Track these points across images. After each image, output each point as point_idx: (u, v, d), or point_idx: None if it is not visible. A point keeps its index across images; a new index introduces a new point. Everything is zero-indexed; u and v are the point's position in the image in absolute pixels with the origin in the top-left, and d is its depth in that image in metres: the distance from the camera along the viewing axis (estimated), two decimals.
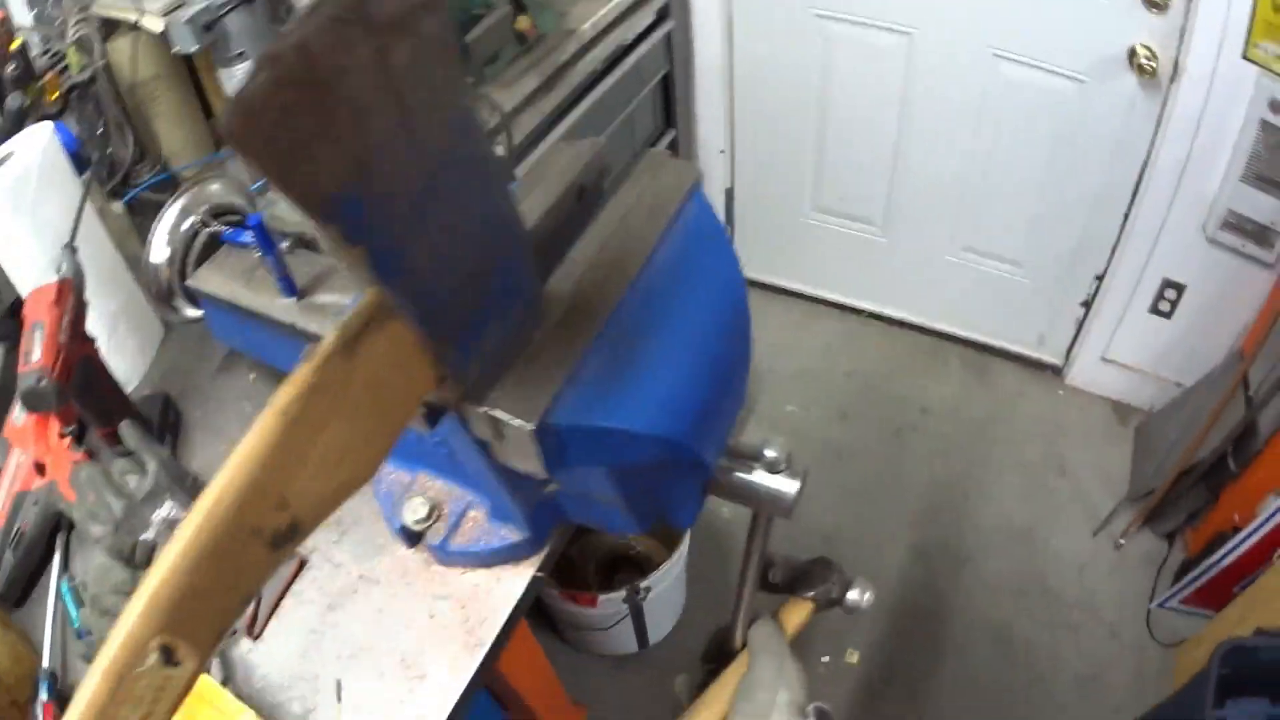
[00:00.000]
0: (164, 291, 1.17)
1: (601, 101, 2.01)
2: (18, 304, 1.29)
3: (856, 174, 2.48)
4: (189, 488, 1.05)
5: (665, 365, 0.67)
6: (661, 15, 2.18)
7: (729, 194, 2.71)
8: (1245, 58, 1.75)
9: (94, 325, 1.18)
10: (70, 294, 1.07)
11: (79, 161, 1.30)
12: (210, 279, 1.12)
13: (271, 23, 1.43)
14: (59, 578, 1.13)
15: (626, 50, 2.07)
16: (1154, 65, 1.86)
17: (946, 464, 2.43)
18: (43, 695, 1.04)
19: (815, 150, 2.49)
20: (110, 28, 1.56)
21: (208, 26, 1.37)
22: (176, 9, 1.41)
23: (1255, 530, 1.71)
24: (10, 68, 1.42)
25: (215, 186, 1.17)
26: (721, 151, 2.59)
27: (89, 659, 1.04)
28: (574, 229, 0.75)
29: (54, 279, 1.08)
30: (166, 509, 1.03)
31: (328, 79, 0.39)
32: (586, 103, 1.95)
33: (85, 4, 1.57)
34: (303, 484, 0.48)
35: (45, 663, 1.07)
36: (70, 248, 1.11)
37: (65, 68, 1.49)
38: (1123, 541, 2.19)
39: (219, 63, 1.46)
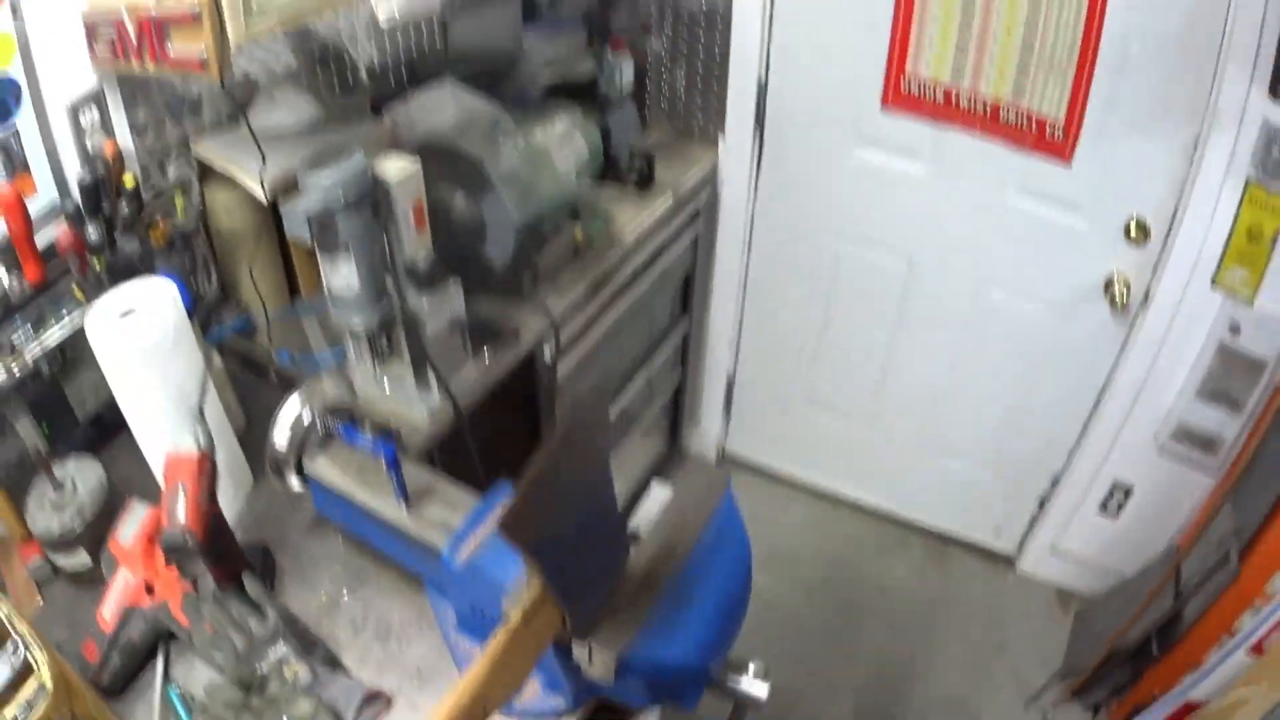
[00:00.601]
0: (279, 468, 1.38)
1: (636, 300, 2.29)
2: (99, 416, 1.52)
3: (847, 373, 2.79)
4: (298, 634, 1.27)
5: (701, 618, 1.00)
6: (692, 219, 2.50)
7: (730, 380, 3.02)
8: (1214, 283, 2.03)
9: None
10: (209, 464, 1.25)
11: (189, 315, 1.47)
12: (328, 470, 1.34)
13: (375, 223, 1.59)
14: (163, 682, 1.32)
15: (659, 253, 2.37)
16: (1126, 296, 2.17)
17: (896, 639, 2.69)
18: None
19: (813, 349, 2.81)
20: (205, 169, 1.75)
21: (320, 223, 1.51)
22: (288, 191, 1.60)
23: (1171, 700, 1.92)
24: (123, 207, 1.53)
25: (327, 384, 1.41)
26: (729, 343, 2.90)
27: None
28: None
29: (190, 445, 1.25)
30: (279, 650, 1.25)
31: (539, 500, 0.71)
32: (624, 303, 2.23)
33: (185, 140, 1.75)
34: (495, 695, 0.76)
35: None
36: (201, 416, 1.28)
37: (170, 211, 1.64)
38: (1052, 712, 2.42)
39: (321, 248, 1.57)
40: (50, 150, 1.58)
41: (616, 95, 2.10)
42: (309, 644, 1.29)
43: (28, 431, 1.55)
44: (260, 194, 1.62)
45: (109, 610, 1.33)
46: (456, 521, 1.24)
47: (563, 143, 1.91)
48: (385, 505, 1.27)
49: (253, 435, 1.62)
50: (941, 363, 2.62)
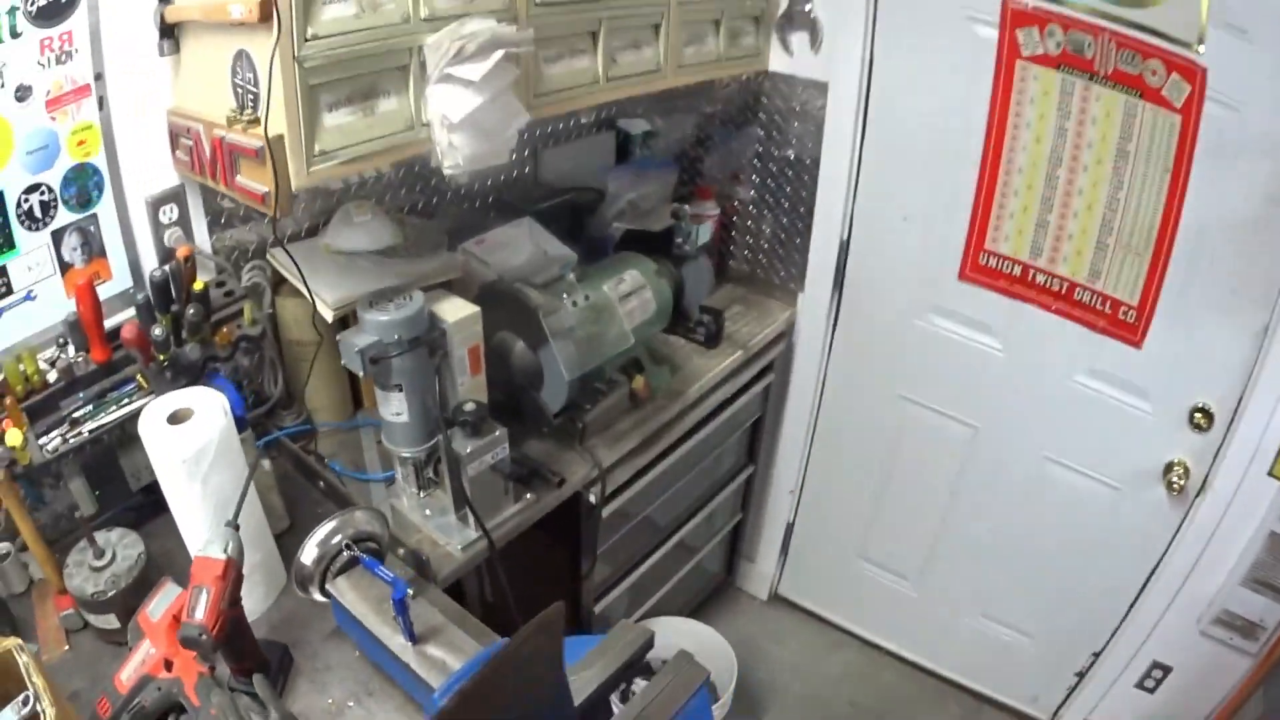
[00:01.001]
0: (305, 583, 1.46)
1: (695, 448, 2.32)
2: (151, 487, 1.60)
3: (902, 533, 2.78)
4: None
5: None
6: (763, 372, 2.53)
7: (789, 528, 3.03)
8: (1271, 474, 1.99)
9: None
10: (233, 571, 1.30)
11: (239, 423, 1.54)
12: (347, 592, 1.42)
13: (430, 362, 1.65)
14: None
15: (724, 405, 2.40)
16: (1184, 482, 2.13)
17: None
18: None
19: (871, 506, 2.81)
20: (279, 278, 1.82)
21: (374, 360, 1.57)
22: (350, 323, 1.65)
23: None
24: (191, 311, 1.57)
25: (361, 515, 1.47)
26: (790, 492, 2.93)
27: None
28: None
29: (219, 552, 1.29)
30: None
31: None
32: (681, 452, 2.26)
33: (262, 248, 1.82)
34: None
35: None
36: (235, 526, 1.34)
37: (238, 316, 1.69)
38: None
39: (378, 384, 1.65)
40: (128, 241, 1.67)
41: (692, 250, 2.17)
42: None
43: (80, 493, 1.66)
44: (328, 314, 1.72)
45: (127, 675, 1.42)
46: (456, 666, 1.30)
47: (631, 298, 1.97)
48: (392, 638, 1.35)
49: (294, 536, 1.67)
50: (995, 530, 2.59)
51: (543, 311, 1.79)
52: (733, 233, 2.63)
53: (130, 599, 1.47)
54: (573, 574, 2.20)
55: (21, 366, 1.50)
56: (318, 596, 1.48)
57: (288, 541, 1.68)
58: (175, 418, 1.46)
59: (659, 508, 2.36)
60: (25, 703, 1.25)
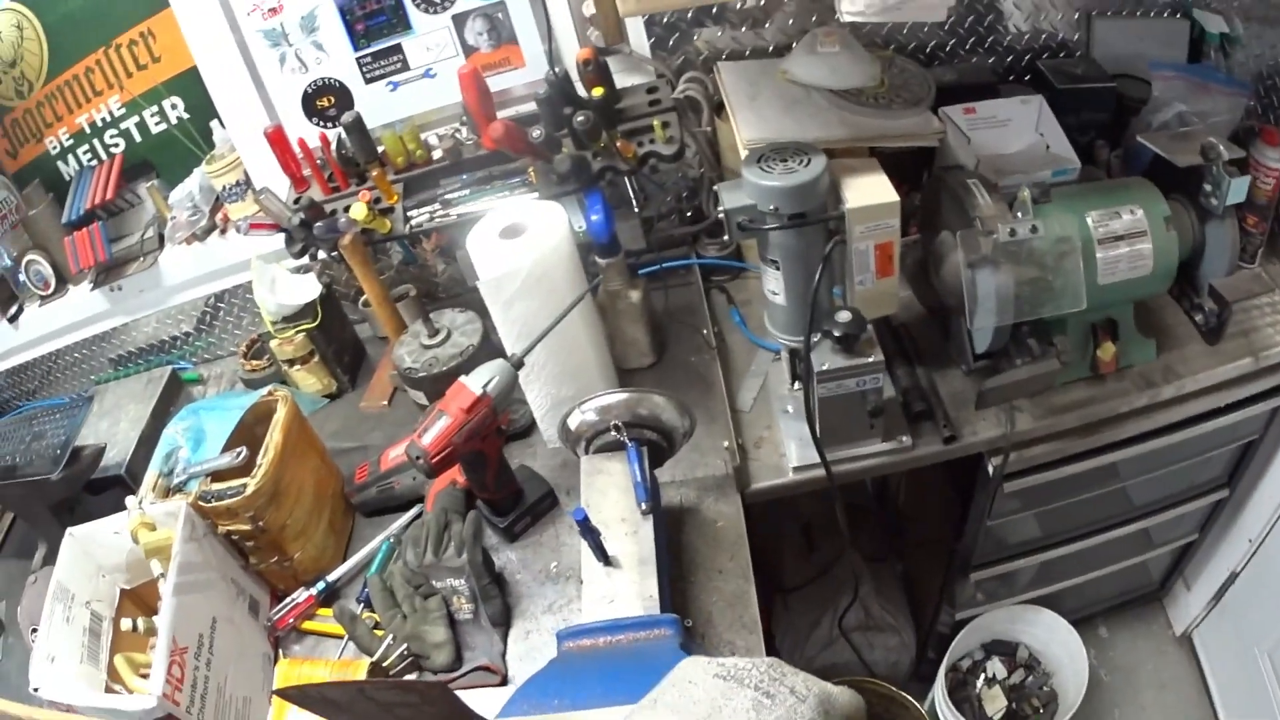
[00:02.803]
0: (568, 442, 1.33)
1: (1150, 455, 1.75)
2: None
3: None
4: (491, 580, 1.30)
5: None
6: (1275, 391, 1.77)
7: (1232, 577, 2.21)
8: None
9: (537, 399, 1.43)
10: (484, 409, 1.24)
11: (606, 248, 1.46)
12: (594, 473, 1.27)
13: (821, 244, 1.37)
14: (394, 533, 1.47)
15: (1211, 415, 1.74)
16: None
17: None
18: (314, 589, 1.41)
19: None
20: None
21: (742, 227, 1.35)
22: None
23: None
24: (580, 119, 1.42)
25: (658, 399, 1.26)
26: (1250, 540, 2.11)
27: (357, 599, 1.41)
28: None
29: (477, 386, 1.24)
30: (455, 583, 1.29)
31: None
32: (1132, 452, 1.72)
33: (709, 62, 1.63)
34: None
35: (334, 574, 1.43)
36: (516, 364, 1.28)
37: (648, 132, 1.51)
38: None
39: (760, 253, 1.46)
40: (544, 31, 1.60)
41: (1219, 207, 1.51)
42: (490, 595, 1.30)
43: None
44: (741, 150, 1.45)
45: (395, 454, 1.48)
46: (605, 612, 1.12)
47: (1120, 243, 1.42)
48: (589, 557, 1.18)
49: (658, 373, 1.62)
50: None
51: (982, 226, 1.35)
52: None
53: (441, 383, 1.44)
54: (956, 534, 1.83)
55: (403, 141, 1.53)
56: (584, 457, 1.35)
57: (644, 376, 1.61)
58: (511, 230, 1.37)
59: (1083, 503, 1.84)
60: (239, 454, 1.37)
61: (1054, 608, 2.22)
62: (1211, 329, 1.63)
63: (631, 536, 1.19)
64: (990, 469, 1.56)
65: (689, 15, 1.58)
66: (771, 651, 2.06)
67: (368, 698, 0.58)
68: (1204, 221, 1.52)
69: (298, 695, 0.59)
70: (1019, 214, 1.38)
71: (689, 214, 1.75)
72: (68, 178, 1.94)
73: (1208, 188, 1.49)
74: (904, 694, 1.70)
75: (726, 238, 1.39)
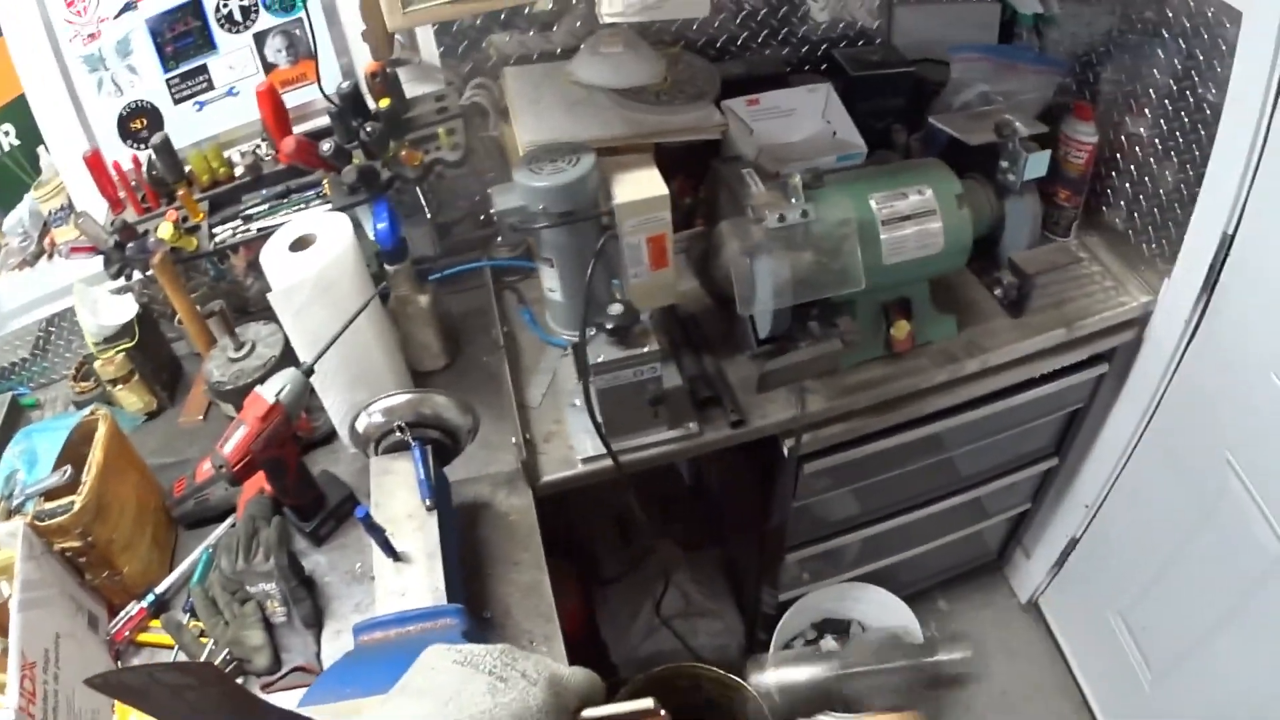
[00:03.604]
0: (359, 444, 1.37)
1: (962, 428, 1.82)
2: None
3: (1167, 617, 2.01)
4: (300, 583, 1.34)
5: None
6: (1098, 359, 1.85)
7: (1072, 543, 2.32)
8: None
9: (334, 405, 1.46)
10: (277, 417, 1.27)
11: (393, 253, 1.49)
12: (382, 474, 1.31)
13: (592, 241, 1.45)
14: (211, 543, 1.49)
15: (1018, 389, 1.80)
16: None
17: None
18: (144, 601, 1.44)
19: (1156, 567, 2.02)
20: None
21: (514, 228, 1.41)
22: None
23: None
24: (369, 129, 1.44)
25: (441, 400, 1.30)
26: (1086, 506, 2.18)
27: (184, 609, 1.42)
28: None
29: (271, 395, 1.27)
30: (268, 587, 1.34)
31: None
32: (938, 427, 1.78)
33: (496, 68, 1.66)
34: None
35: (161, 586, 1.45)
36: (306, 371, 1.30)
37: (435, 139, 1.56)
38: None
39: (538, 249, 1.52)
40: (340, 46, 1.64)
41: (1016, 183, 1.56)
42: (299, 597, 1.34)
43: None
44: (519, 148, 1.50)
45: (206, 466, 1.50)
46: (396, 605, 1.15)
47: (907, 223, 1.47)
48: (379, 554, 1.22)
49: (450, 376, 1.66)
50: (1265, 677, 1.72)
51: (754, 214, 1.41)
52: (1113, 173, 1.81)
53: (246, 395, 1.46)
54: (764, 516, 1.88)
55: (207, 159, 1.55)
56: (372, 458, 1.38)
57: (438, 378, 1.64)
58: (301, 243, 1.40)
59: (901, 478, 1.90)
60: (65, 473, 1.41)
61: (888, 582, 2.27)
62: (1013, 301, 1.69)
63: (419, 532, 1.23)
64: (785, 450, 1.60)
65: (478, 22, 1.62)
66: (597, 643, 2.14)
67: (157, 681, 0.59)
68: (1002, 197, 1.58)
69: (100, 682, 0.62)
70: (792, 200, 1.43)
71: (482, 218, 1.79)
72: None
73: (1004, 164, 1.56)
74: (733, 676, 1.74)
75: (499, 239, 1.43)
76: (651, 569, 2.19)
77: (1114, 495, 2.09)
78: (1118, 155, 1.75)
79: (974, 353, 1.64)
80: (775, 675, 1.17)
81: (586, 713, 0.63)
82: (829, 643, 2.27)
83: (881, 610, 2.26)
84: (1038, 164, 1.54)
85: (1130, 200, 1.76)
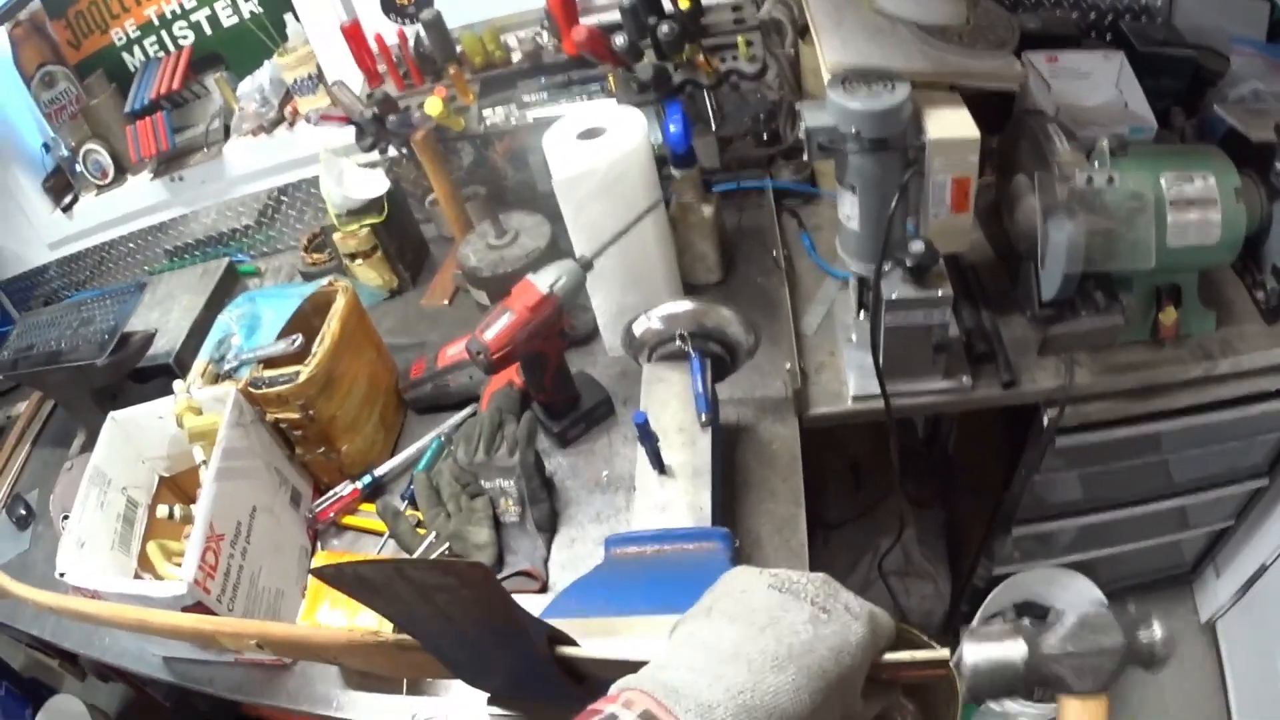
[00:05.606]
0: (630, 350, 1.33)
1: (1200, 430, 1.72)
2: None
3: None
4: (541, 484, 1.30)
5: None
6: None
7: (1262, 569, 2.18)
8: None
9: (602, 305, 1.42)
10: (549, 309, 1.25)
11: (681, 159, 1.44)
12: (654, 381, 1.27)
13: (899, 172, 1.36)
14: (445, 431, 1.46)
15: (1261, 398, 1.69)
16: None
17: None
18: (359, 483, 1.43)
19: None
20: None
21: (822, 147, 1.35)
22: None
23: None
24: (665, 29, 1.39)
25: (726, 313, 1.26)
26: None
27: (401, 496, 1.41)
28: None
29: (544, 285, 1.24)
30: (505, 485, 1.30)
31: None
32: (1181, 424, 1.70)
33: None
34: None
35: (381, 469, 1.43)
36: (585, 265, 1.27)
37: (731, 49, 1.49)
38: None
39: (836, 175, 1.40)
40: None
41: None
42: (538, 498, 1.30)
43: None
44: (824, 74, 1.39)
45: (453, 351, 1.48)
46: (656, 521, 1.12)
47: (1190, 208, 1.39)
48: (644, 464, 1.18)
49: (723, 290, 1.62)
50: None
51: (1061, 172, 1.34)
52: None
53: (506, 284, 1.44)
54: (1004, 485, 1.82)
55: (482, 41, 1.52)
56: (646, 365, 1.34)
57: (711, 292, 1.59)
58: (590, 133, 1.35)
59: (1127, 471, 1.83)
60: (294, 341, 1.38)
61: (1088, 577, 2.21)
62: (1272, 308, 1.61)
63: (688, 447, 1.19)
64: (1045, 420, 1.54)
65: None
66: None
67: (405, 578, 0.57)
68: (1272, 200, 1.50)
69: (333, 574, 0.58)
70: (1096, 164, 1.36)
71: (765, 136, 1.74)
72: (132, 69, 1.94)
73: (1278, 165, 1.48)
74: (935, 644, 1.69)
75: (805, 157, 1.37)
76: (879, 520, 2.14)
77: None
78: None
79: (1228, 353, 1.55)
80: (976, 651, 1.12)
81: (889, 656, 0.60)
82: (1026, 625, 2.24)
83: (1080, 602, 2.18)
84: None
85: None
